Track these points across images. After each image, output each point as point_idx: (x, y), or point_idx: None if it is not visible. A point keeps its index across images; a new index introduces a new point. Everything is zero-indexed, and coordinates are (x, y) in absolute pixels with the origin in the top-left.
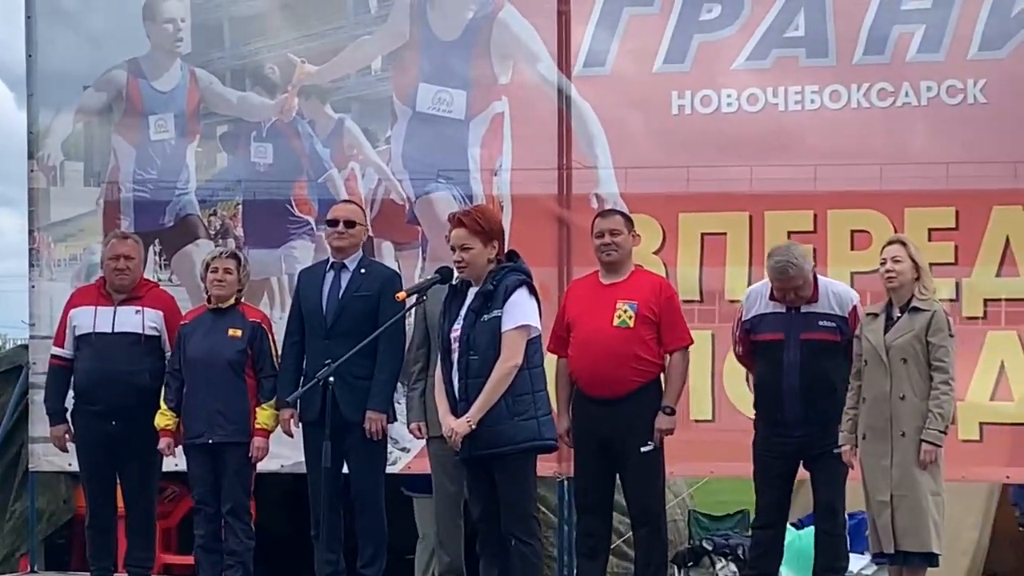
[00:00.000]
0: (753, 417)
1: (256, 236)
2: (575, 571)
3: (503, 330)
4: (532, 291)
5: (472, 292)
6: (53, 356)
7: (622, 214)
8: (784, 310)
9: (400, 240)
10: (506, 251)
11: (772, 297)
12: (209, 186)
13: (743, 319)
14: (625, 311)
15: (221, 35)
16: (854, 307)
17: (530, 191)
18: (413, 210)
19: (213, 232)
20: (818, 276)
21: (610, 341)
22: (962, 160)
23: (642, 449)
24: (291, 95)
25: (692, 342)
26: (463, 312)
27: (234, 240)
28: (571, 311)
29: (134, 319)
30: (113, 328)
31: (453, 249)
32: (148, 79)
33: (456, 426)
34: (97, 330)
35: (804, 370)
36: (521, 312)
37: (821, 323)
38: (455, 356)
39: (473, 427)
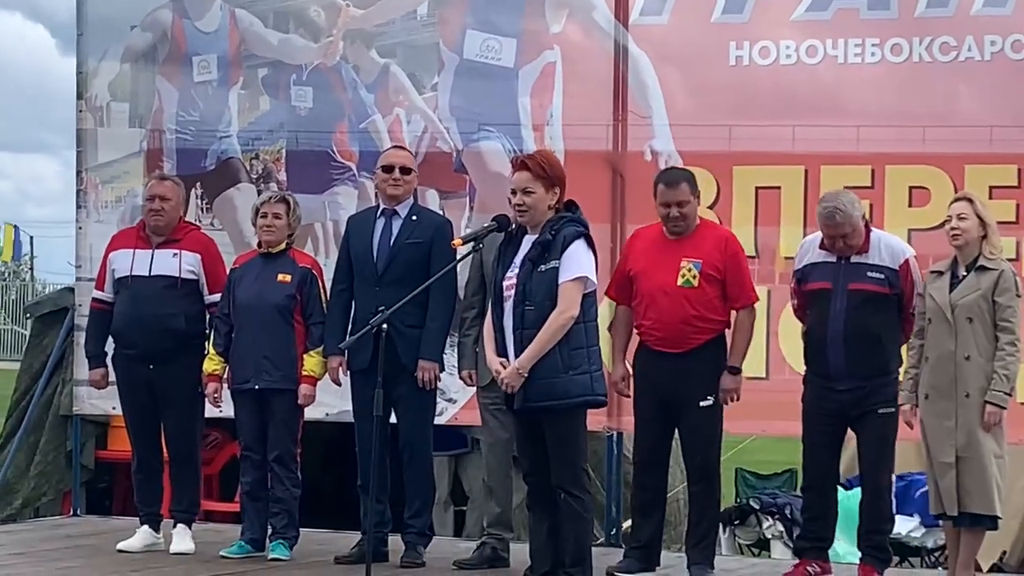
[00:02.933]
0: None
1: (299, 181)
2: (630, 525)
3: (560, 281)
4: (590, 244)
5: (527, 240)
6: (94, 300)
7: (687, 179)
8: (834, 260)
9: (446, 189)
10: (565, 201)
11: (822, 246)
12: (251, 129)
13: (795, 268)
14: (689, 270)
15: None
16: (906, 260)
17: (582, 144)
18: (460, 159)
19: (255, 176)
20: (872, 228)
21: (675, 301)
22: None
23: (701, 404)
24: (336, 39)
25: (757, 299)
26: (518, 260)
27: (277, 184)
28: (635, 264)
29: (171, 262)
30: (150, 271)
31: (514, 192)
32: (192, 19)
33: (507, 376)
34: (134, 273)
35: (849, 320)
36: (578, 264)
37: (870, 274)
38: (508, 304)
39: (524, 376)
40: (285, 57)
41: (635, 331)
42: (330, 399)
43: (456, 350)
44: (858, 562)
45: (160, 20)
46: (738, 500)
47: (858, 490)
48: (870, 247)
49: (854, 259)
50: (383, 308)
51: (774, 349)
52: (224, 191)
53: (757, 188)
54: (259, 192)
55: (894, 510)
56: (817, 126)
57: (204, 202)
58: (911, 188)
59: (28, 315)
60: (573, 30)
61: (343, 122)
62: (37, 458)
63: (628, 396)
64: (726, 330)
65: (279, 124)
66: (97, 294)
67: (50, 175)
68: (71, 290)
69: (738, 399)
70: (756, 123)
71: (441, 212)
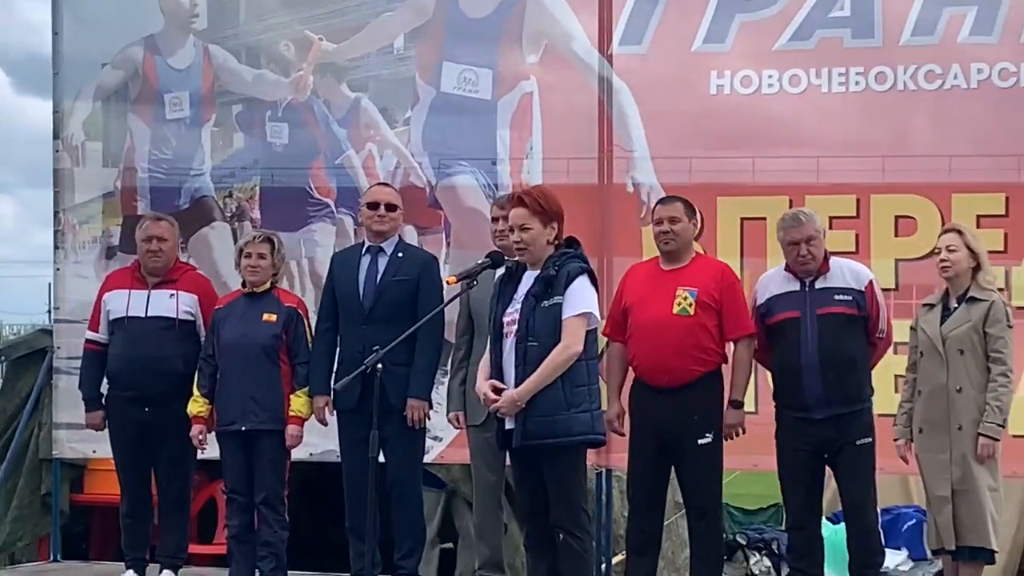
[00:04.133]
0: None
1: (274, 219)
2: (625, 562)
3: (564, 317)
4: (593, 280)
5: (528, 276)
6: (88, 341)
7: (683, 201)
8: (798, 288)
9: (423, 224)
10: (565, 237)
11: (787, 269)
12: (225, 167)
13: (757, 305)
14: (685, 298)
15: (237, 11)
16: (870, 282)
17: (561, 177)
18: (434, 194)
19: (229, 215)
20: (829, 256)
21: (670, 329)
22: (1015, 143)
23: (700, 441)
24: (306, 72)
25: (754, 330)
26: (519, 296)
27: (251, 223)
28: (629, 296)
29: (168, 303)
30: (146, 312)
31: (512, 229)
32: (164, 56)
33: (504, 403)
34: (130, 314)
35: (823, 345)
36: (583, 300)
37: (837, 297)
38: (509, 340)
39: (521, 407)
40: (259, 93)
41: (630, 367)
42: (314, 439)
43: (446, 391)
44: None
45: (132, 57)
46: (725, 536)
47: (844, 525)
48: (832, 269)
49: (819, 284)
50: (377, 347)
51: (762, 383)
52: (199, 230)
53: (742, 219)
54: (234, 231)
55: (883, 542)
56: (800, 157)
57: (180, 241)
58: (897, 217)
59: (2, 358)
60: (551, 61)
61: (319, 158)
62: (14, 503)
63: (623, 435)
64: (723, 365)
65: (252, 161)
66: (91, 335)
67: (7, 215)
68: (47, 332)
69: (743, 434)
70: (739, 154)
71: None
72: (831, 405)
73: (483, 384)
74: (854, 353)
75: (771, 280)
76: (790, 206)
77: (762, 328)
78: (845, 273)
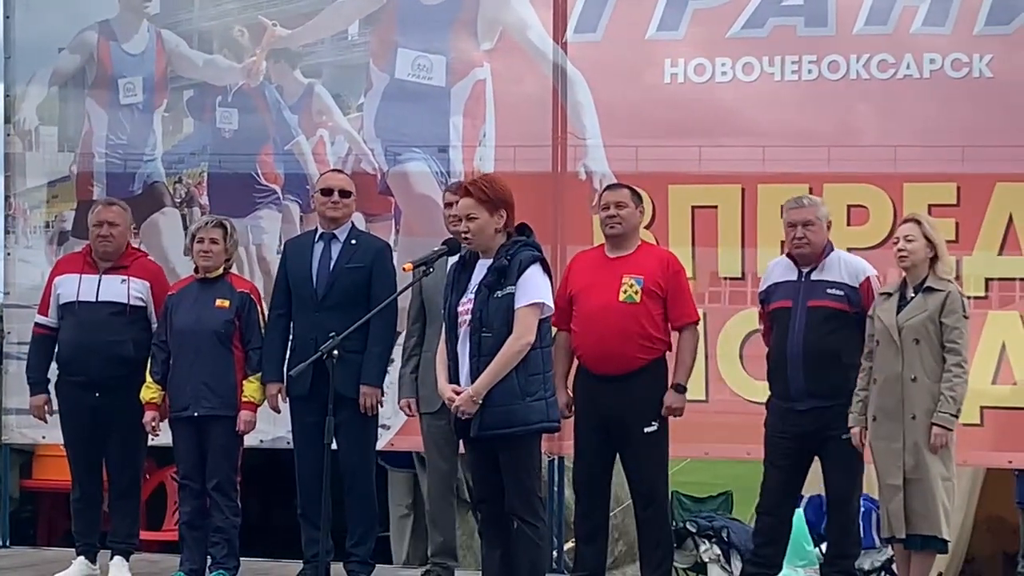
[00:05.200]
0: (748, 398)
1: (221, 205)
2: (574, 551)
3: (516, 307)
4: (545, 268)
5: (481, 265)
6: (37, 324)
7: (629, 188)
8: (795, 278)
9: (371, 212)
10: (517, 225)
11: (789, 255)
12: (175, 152)
13: (759, 290)
14: (631, 286)
15: None
16: (867, 279)
17: (516, 165)
18: (385, 180)
19: (179, 200)
20: (832, 247)
21: (617, 317)
22: (966, 134)
23: (645, 429)
24: (259, 58)
25: (699, 319)
26: (473, 286)
27: (200, 209)
28: (575, 284)
29: (119, 288)
30: (97, 297)
31: (459, 219)
32: (119, 41)
33: (461, 402)
34: (81, 299)
35: (808, 337)
36: (535, 289)
37: (829, 291)
38: (464, 331)
39: (478, 403)
40: (210, 78)
41: (575, 355)
42: (264, 425)
43: (398, 379)
44: None
45: (86, 42)
46: (674, 524)
47: (798, 513)
48: (829, 262)
49: (814, 276)
50: (333, 334)
51: (713, 371)
52: (150, 216)
53: (693, 207)
54: (183, 217)
55: (861, 534)
56: (745, 146)
57: (132, 227)
58: (849, 207)
59: None
60: (506, 48)
61: (268, 144)
62: None
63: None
64: (668, 352)
65: (202, 147)
66: (40, 319)
67: None
68: None
69: (680, 416)
70: (690, 142)
71: None
72: (813, 397)
73: (445, 388)
74: (839, 347)
75: (775, 267)
76: (743, 195)
77: (764, 315)
78: (842, 267)
